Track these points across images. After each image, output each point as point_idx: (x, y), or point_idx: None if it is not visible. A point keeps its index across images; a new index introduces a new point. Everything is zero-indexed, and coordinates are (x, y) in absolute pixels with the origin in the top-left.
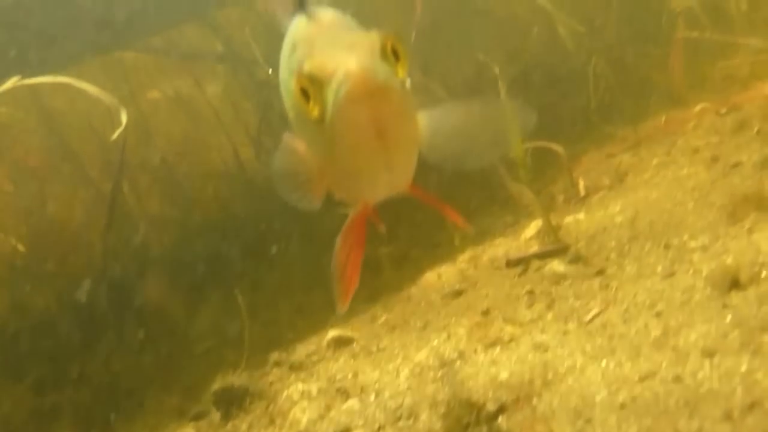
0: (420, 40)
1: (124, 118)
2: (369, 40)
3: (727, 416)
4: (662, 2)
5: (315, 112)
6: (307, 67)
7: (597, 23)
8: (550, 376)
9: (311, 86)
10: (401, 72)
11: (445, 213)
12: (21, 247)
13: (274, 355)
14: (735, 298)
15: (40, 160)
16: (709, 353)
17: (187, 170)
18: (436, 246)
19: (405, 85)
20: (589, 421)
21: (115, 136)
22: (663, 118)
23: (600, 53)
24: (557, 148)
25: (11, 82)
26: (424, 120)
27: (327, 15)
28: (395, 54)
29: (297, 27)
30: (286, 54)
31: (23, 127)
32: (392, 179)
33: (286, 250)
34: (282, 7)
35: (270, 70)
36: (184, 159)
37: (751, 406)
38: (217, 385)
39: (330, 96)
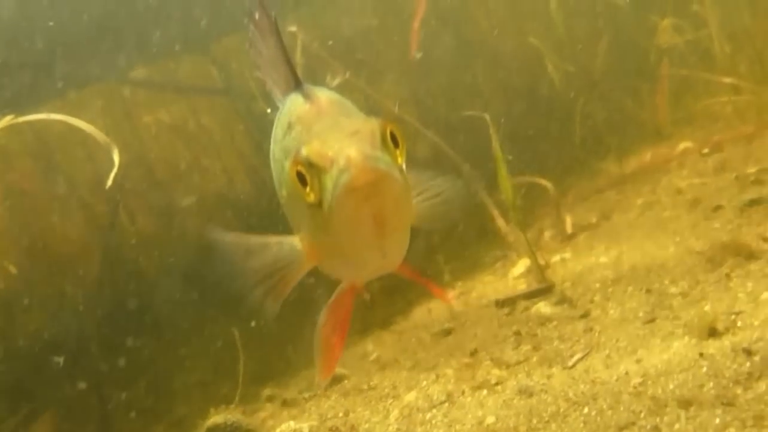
0: (416, 80)
1: (116, 158)
2: (370, 127)
3: None
4: (650, 40)
5: (311, 197)
6: (306, 152)
7: (586, 61)
8: (534, 422)
9: (309, 172)
10: (400, 159)
11: (430, 289)
12: (13, 269)
13: (267, 391)
14: (711, 347)
15: (35, 183)
16: (685, 404)
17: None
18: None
19: (404, 173)
20: None
21: (110, 181)
22: (648, 155)
23: (588, 90)
24: (547, 184)
25: (7, 120)
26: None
27: (324, 96)
28: (394, 140)
29: (293, 106)
30: (280, 132)
31: (18, 150)
32: (385, 263)
33: None
34: (276, 80)
35: (269, 110)
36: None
37: None
38: (210, 421)
39: (329, 184)
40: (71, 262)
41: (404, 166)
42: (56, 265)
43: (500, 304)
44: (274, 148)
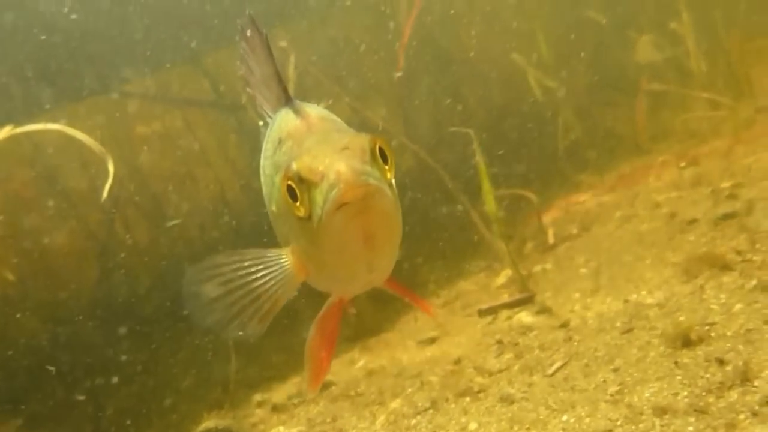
0: (403, 97)
1: (111, 168)
2: (359, 143)
3: None
4: (629, 56)
5: (301, 211)
6: (296, 166)
7: (568, 77)
8: (515, 428)
9: (299, 186)
10: (389, 174)
11: (415, 302)
12: (11, 276)
13: (257, 396)
14: (686, 356)
15: (33, 192)
16: (660, 412)
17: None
18: (413, 288)
19: (393, 188)
20: None
21: (105, 193)
22: (628, 169)
23: (569, 106)
24: (531, 196)
25: (6, 131)
26: None
27: (314, 112)
28: (383, 156)
29: (283, 122)
30: (270, 147)
31: (17, 161)
32: (373, 278)
33: None
34: (266, 96)
35: (261, 123)
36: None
37: None
38: (202, 426)
39: (319, 198)
40: (68, 270)
41: (393, 182)
42: (53, 273)
43: (483, 313)
44: (264, 164)
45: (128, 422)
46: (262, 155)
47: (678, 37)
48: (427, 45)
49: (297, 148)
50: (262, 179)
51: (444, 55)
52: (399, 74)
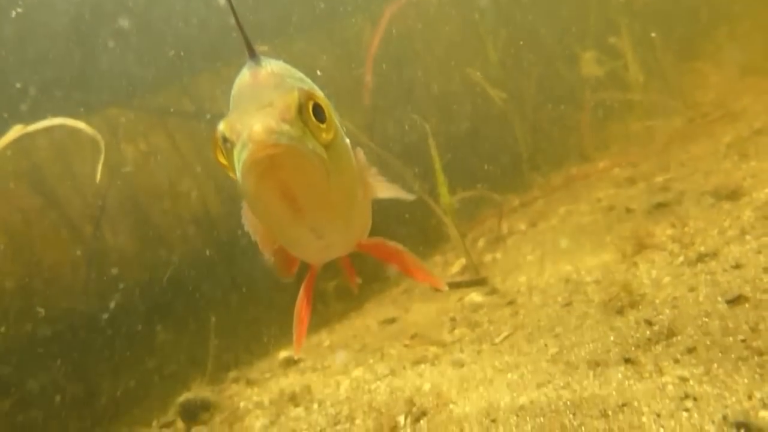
0: (371, 108)
1: (102, 149)
2: (285, 100)
3: (603, 414)
4: (574, 71)
5: (231, 171)
6: (221, 126)
7: (520, 91)
8: (464, 386)
9: (225, 145)
10: (325, 134)
11: (410, 272)
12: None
13: (233, 373)
14: (618, 321)
15: (28, 204)
16: (594, 365)
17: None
18: (376, 280)
19: (337, 148)
20: (494, 420)
21: (98, 178)
22: (573, 171)
23: (521, 118)
24: (496, 196)
25: (16, 130)
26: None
27: (269, 67)
28: (319, 114)
29: (239, 78)
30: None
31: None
32: (328, 245)
33: (244, 284)
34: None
35: None
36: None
37: (622, 406)
38: (182, 397)
39: (236, 157)
40: (60, 271)
41: (345, 141)
42: (47, 274)
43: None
44: None
45: (117, 399)
46: None
47: (618, 51)
48: (394, 64)
49: (235, 106)
50: None
51: (409, 74)
52: (372, 86)
